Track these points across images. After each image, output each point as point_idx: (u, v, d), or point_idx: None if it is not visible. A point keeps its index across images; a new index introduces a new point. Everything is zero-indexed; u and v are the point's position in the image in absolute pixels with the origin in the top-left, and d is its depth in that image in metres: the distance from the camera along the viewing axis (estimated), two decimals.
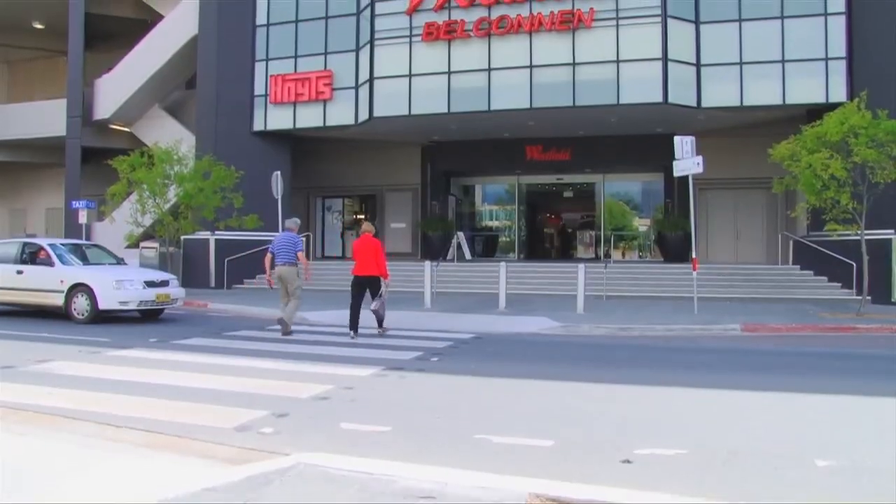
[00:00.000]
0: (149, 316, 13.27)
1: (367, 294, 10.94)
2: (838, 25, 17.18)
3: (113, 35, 26.15)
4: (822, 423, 5.76)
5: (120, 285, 12.38)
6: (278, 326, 10.95)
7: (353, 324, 10.78)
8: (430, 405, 6.37)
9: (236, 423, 5.41)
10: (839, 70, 17.13)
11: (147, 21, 24.27)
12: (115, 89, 23.52)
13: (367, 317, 10.86)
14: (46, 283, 12.78)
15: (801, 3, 17.32)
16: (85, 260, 13.75)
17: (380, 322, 11.05)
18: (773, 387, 7.08)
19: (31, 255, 13.37)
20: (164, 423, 5.34)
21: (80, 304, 12.35)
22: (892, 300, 15.28)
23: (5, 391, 6.38)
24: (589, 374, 7.98)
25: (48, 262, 13.04)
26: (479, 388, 7.17)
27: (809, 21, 17.28)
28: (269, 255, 11.10)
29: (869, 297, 13.95)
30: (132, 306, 12.54)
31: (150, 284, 12.81)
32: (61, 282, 12.60)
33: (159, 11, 23.76)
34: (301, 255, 11.10)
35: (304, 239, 12.14)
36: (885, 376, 8.18)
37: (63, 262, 13.09)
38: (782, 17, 17.40)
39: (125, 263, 14.70)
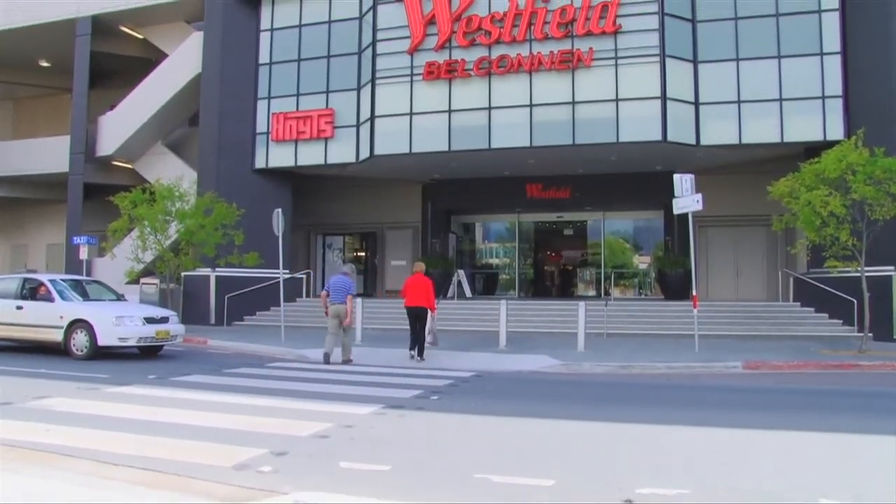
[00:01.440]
0: (148, 352, 13.19)
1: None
2: (834, 64, 17.42)
3: (117, 73, 26.55)
4: (825, 462, 5.70)
5: (120, 321, 12.34)
6: (278, 363, 11.07)
7: (413, 346, 12.70)
8: (429, 444, 6.32)
9: (235, 461, 5.35)
10: (836, 108, 17.33)
11: (151, 60, 24.62)
12: (118, 126, 23.70)
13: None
14: (46, 319, 12.71)
15: (797, 42, 17.58)
16: (85, 296, 13.70)
17: (420, 351, 12.66)
18: (775, 425, 7.02)
19: (32, 291, 13.33)
20: (163, 461, 5.28)
21: (80, 340, 12.29)
22: (894, 337, 15.22)
23: (2, 428, 6.32)
24: (590, 413, 7.93)
25: (48, 298, 13.00)
26: (480, 427, 7.12)
27: (806, 60, 17.53)
28: (324, 293, 12.72)
29: (870, 335, 13.90)
30: (131, 343, 12.47)
31: (149, 321, 12.75)
32: (61, 317, 12.54)
33: (163, 50, 24.09)
34: (349, 298, 12.44)
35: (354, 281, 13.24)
36: (888, 414, 8.12)
37: (63, 297, 13.05)
38: (779, 57, 17.65)
39: (125, 299, 14.67)
